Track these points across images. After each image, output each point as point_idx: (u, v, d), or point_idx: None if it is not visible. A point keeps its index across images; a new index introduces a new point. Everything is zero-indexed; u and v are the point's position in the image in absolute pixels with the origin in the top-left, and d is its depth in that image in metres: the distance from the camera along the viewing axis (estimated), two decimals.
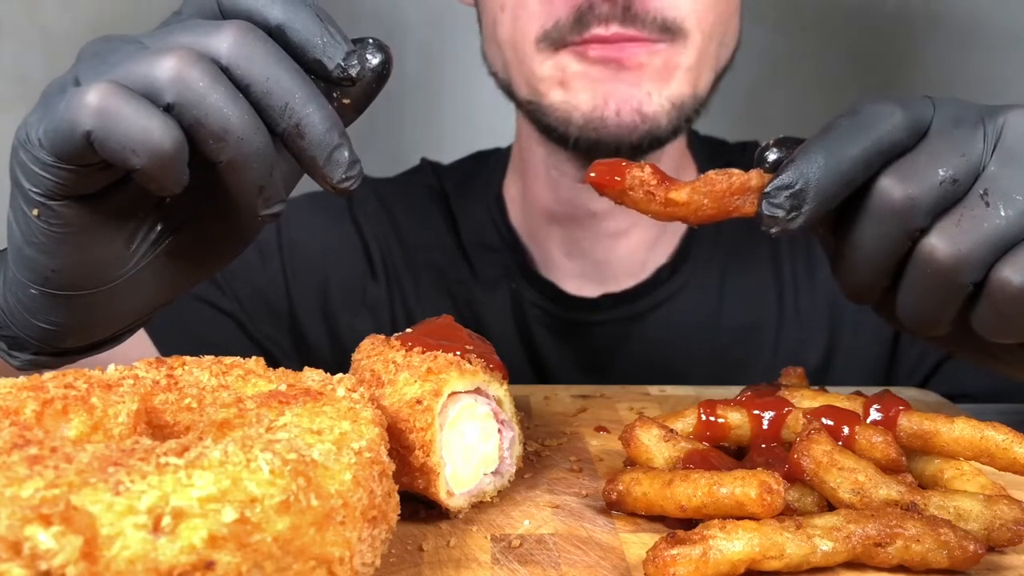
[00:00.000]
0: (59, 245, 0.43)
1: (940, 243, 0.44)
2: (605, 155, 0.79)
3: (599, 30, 0.73)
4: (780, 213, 0.45)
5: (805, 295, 0.89)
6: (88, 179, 0.41)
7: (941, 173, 0.44)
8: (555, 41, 0.75)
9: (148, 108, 0.38)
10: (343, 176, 0.42)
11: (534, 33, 0.76)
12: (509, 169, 0.94)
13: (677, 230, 0.90)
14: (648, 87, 0.75)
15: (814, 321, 0.89)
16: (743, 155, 0.97)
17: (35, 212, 0.42)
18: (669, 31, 0.74)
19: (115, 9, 1.47)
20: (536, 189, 0.89)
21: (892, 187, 0.45)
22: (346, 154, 0.42)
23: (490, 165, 0.98)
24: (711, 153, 0.96)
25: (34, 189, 0.42)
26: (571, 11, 0.73)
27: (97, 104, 0.38)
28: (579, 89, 0.75)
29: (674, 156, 0.89)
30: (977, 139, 0.45)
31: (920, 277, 0.46)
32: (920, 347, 0.87)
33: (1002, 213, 0.44)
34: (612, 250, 0.88)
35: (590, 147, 0.77)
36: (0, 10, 1.51)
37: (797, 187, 0.45)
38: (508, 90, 0.83)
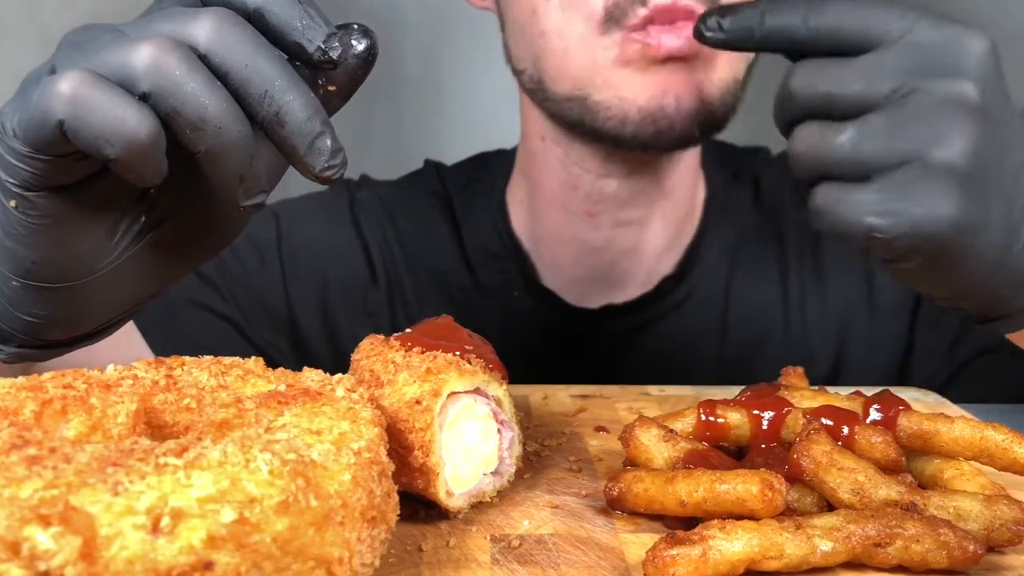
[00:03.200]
0: (39, 237, 0.43)
1: (794, 135, 0.51)
2: (660, 150, 0.75)
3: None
4: (702, 27, 0.55)
5: (813, 308, 0.87)
6: (65, 170, 0.41)
7: (824, 87, 0.49)
8: (618, 20, 0.70)
9: (122, 97, 0.38)
10: (325, 165, 0.41)
11: (599, 14, 0.70)
12: (514, 172, 0.92)
13: (686, 238, 0.88)
14: (701, 73, 0.71)
15: (822, 334, 0.87)
16: (751, 161, 0.95)
17: (13, 203, 0.42)
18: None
19: (115, 9, 1.47)
20: (550, 186, 0.86)
21: (791, 73, 0.51)
22: (328, 142, 0.41)
23: (494, 169, 0.95)
24: (718, 158, 0.94)
25: (10, 180, 0.41)
26: None
27: (70, 93, 0.37)
28: (635, 84, 0.71)
29: (693, 159, 0.87)
30: (890, 82, 0.48)
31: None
32: (934, 360, 0.86)
33: (838, 144, 0.48)
34: (626, 248, 0.86)
35: (644, 144, 0.73)
36: (0, 10, 1.50)
37: (721, 22, 0.54)
38: (538, 87, 0.78)
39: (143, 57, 0.38)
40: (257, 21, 0.41)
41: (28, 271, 0.44)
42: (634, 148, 0.75)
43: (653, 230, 0.86)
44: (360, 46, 0.42)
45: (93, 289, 0.46)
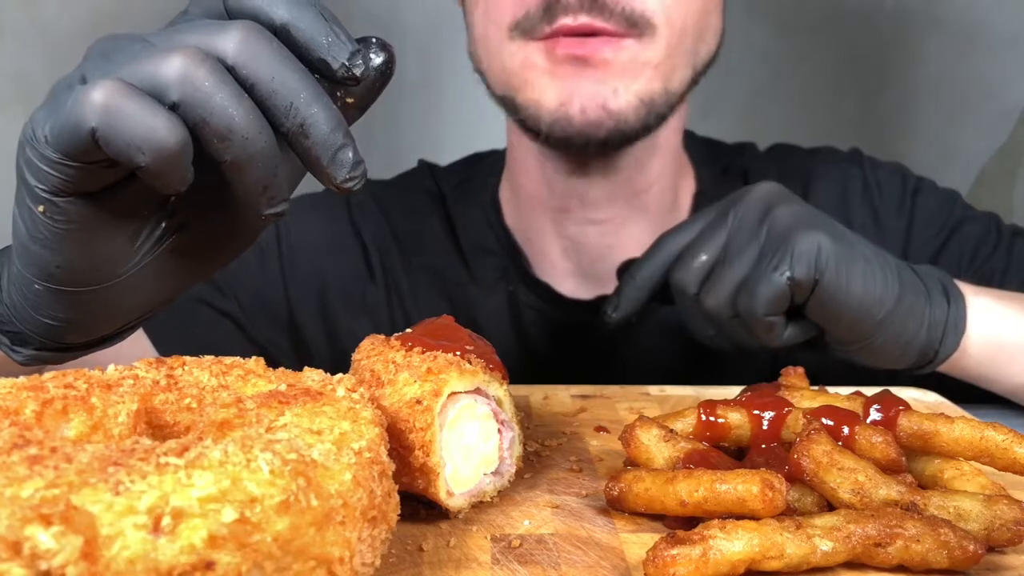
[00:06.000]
0: (63, 241, 0.44)
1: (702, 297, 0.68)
2: (576, 150, 0.81)
3: (567, 20, 0.74)
4: (606, 313, 0.73)
5: None
6: (93, 176, 0.41)
7: (703, 257, 0.68)
8: (526, 31, 0.76)
9: (154, 106, 0.38)
10: (347, 176, 0.42)
11: (506, 23, 0.77)
12: (504, 170, 0.95)
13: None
14: (614, 83, 0.76)
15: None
16: (740, 156, 0.97)
17: (40, 208, 0.42)
18: (636, 25, 0.74)
19: (114, 8, 1.47)
20: (529, 184, 0.89)
21: (672, 276, 0.70)
22: (350, 154, 0.42)
23: (486, 167, 0.98)
24: (708, 155, 0.96)
25: (40, 186, 0.42)
26: (540, 1, 0.74)
27: (103, 102, 0.38)
28: (545, 87, 0.77)
29: (670, 158, 0.88)
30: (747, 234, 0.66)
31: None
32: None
33: (731, 268, 0.66)
34: (606, 244, 0.88)
35: (559, 144, 0.79)
36: (0, 10, 1.51)
37: (614, 303, 0.73)
38: (487, 87, 0.85)
39: (173, 68, 0.39)
40: (283, 36, 0.42)
41: (51, 275, 0.45)
42: (550, 146, 0.82)
43: (631, 228, 0.89)
44: (378, 59, 0.43)
45: (114, 293, 0.47)
